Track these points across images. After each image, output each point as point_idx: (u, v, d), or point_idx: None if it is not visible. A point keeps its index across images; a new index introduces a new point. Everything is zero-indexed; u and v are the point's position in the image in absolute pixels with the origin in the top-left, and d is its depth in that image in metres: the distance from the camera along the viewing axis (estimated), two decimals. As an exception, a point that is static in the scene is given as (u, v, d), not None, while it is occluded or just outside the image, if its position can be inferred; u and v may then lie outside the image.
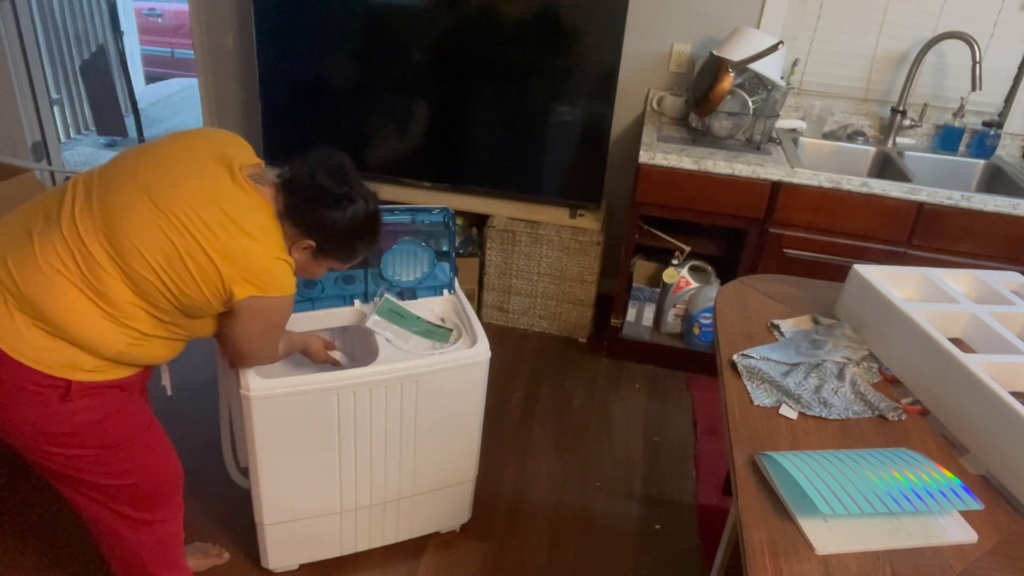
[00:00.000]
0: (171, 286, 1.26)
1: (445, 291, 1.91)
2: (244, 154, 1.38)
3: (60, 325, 1.22)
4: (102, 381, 1.29)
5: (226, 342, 1.43)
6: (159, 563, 1.55)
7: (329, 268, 1.50)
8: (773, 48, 2.39)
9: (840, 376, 1.36)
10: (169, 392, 1.56)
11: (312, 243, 1.39)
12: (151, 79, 6.01)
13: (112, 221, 1.23)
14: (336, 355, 1.78)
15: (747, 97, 2.47)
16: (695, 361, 2.80)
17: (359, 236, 1.44)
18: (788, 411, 1.28)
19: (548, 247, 2.82)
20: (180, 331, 1.36)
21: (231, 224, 1.27)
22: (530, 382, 2.70)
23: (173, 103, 5.54)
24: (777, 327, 1.53)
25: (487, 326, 2.94)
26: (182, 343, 1.41)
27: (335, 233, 1.40)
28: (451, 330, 1.80)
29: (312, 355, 1.74)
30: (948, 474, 1.09)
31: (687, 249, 2.76)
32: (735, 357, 1.40)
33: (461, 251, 2.91)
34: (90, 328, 1.23)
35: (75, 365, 1.25)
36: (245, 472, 1.76)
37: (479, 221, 2.95)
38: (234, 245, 1.27)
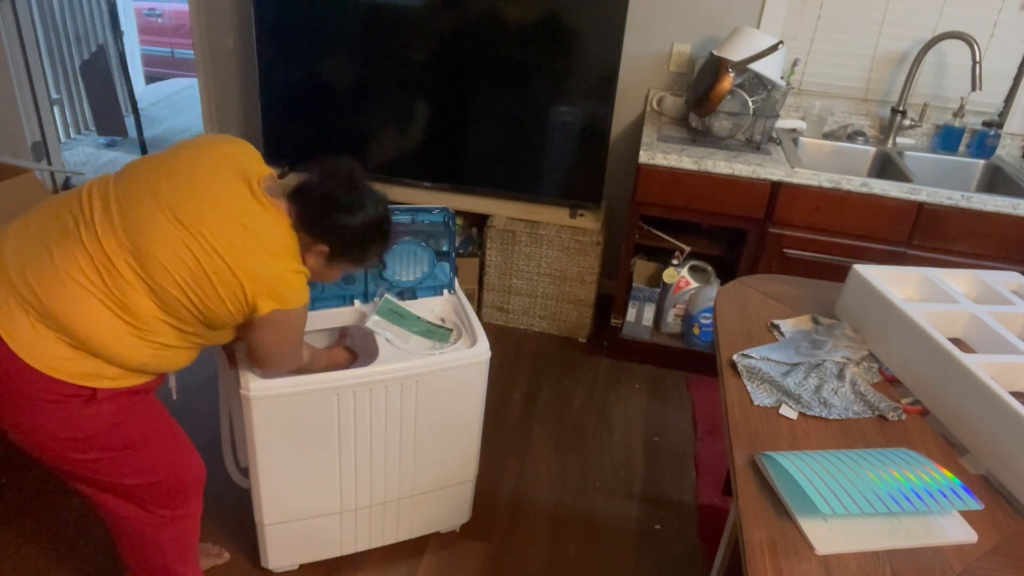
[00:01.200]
0: (196, 302, 1.28)
1: (445, 291, 1.91)
2: (259, 166, 1.39)
3: (84, 339, 1.23)
4: (125, 388, 1.31)
5: (250, 354, 1.47)
6: (180, 559, 1.57)
7: (343, 271, 1.53)
8: (773, 48, 2.39)
9: (840, 376, 1.36)
10: (175, 396, 1.57)
11: (326, 248, 1.41)
12: (151, 79, 6.01)
13: (137, 239, 1.24)
14: (348, 343, 1.81)
15: (747, 97, 2.47)
16: (695, 361, 2.80)
17: (371, 239, 1.47)
18: (788, 411, 1.28)
19: (548, 247, 2.82)
20: (200, 341, 1.39)
21: (254, 242, 1.29)
22: (530, 382, 2.70)
23: (173, 103, 5.54)
24: (777, 327, 1.53)
25: (487, 326, 2.94)
26: (199, 350, 1.43)
27: (348, 238, 1.42)
28: (451, 330, 1.80)
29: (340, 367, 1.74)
30: (948, 474, 1.09)
31: (687, 249, 2.76)
32: (735, 357, 1.40)
33: (461, 251, 2.91)
34: (114, 342, 1.25)
35: (99, 374, 1.26)
36: (245, 472, 1.76)
37: (479, 221, 2.95)
38: (258, 263, 1.30)
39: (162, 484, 1.44)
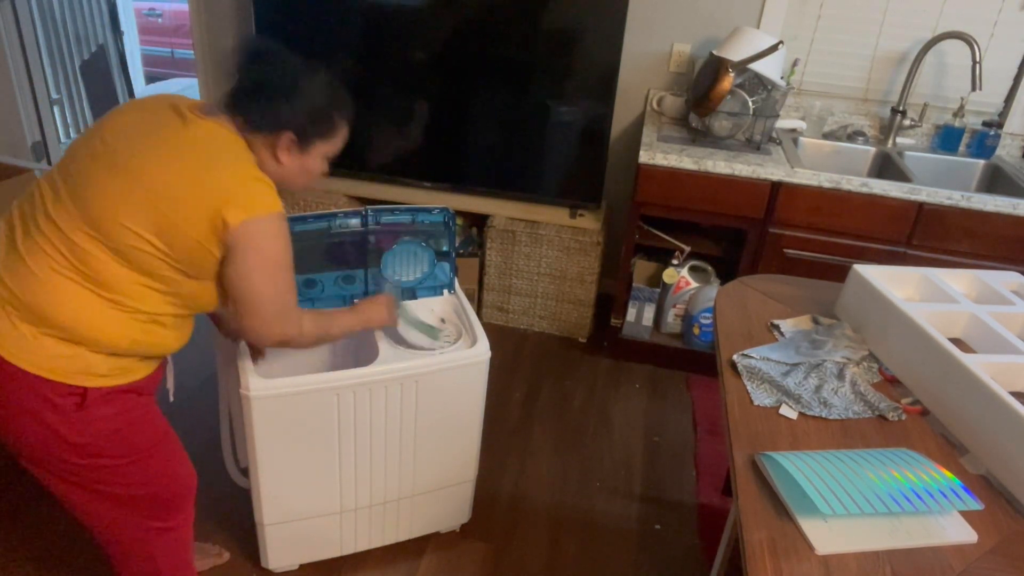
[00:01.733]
0: (161, 247, 1.23)
1: (445, 291, 1.91)
2: (188, 100, 1.35)
3: (68, 325, 1.21)
4: (117, 386, 1.28)
5: (237, 307, 1.33)
6: (172, 569, 1.53)
7: (324, 157, 1.43)
8: (773, 48, 2.39)
9: (840, 376, 1.36)
10: (172, 398, 1.56)
11: (292, 135, 1.34)
12: (151, 79, 6.01)
13: (85, 206, 1.21)
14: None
15: (747, 97, 2.47)
16: (695, 361, 2.80)
17: (328, 104, 1.38)
18: (788, 411, 1.28)
19: (548, 247, 2.82)
20: (183, 302, 1.32)
21: (196, 160, 1.24)
22: (530, 382, 2.70)
23: (173, 103, 5.52)
24: (777, 327, 1.53)
25: (487, 326, 2.94)
26: (189, 321, 1.38)
27: (304, 113, 1.34)
28: (441, 330, 1.79)
29: (386, 317, 1.65)
30: (948, 474, 1.09)
31: (687, 249, 2.76)
32: (735, 357, 1.40)
33: (461, 251, 2.91)
34: (98, 320, 1.22)
35: (89, 371, 1.24)
36: (245, 472, 1.77)
37: (479, 221, 2.95)
38: (207, 177, 1.23)
39: (158, 494, 1.41)
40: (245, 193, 1.26)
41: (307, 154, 1.39)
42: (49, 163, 3.48)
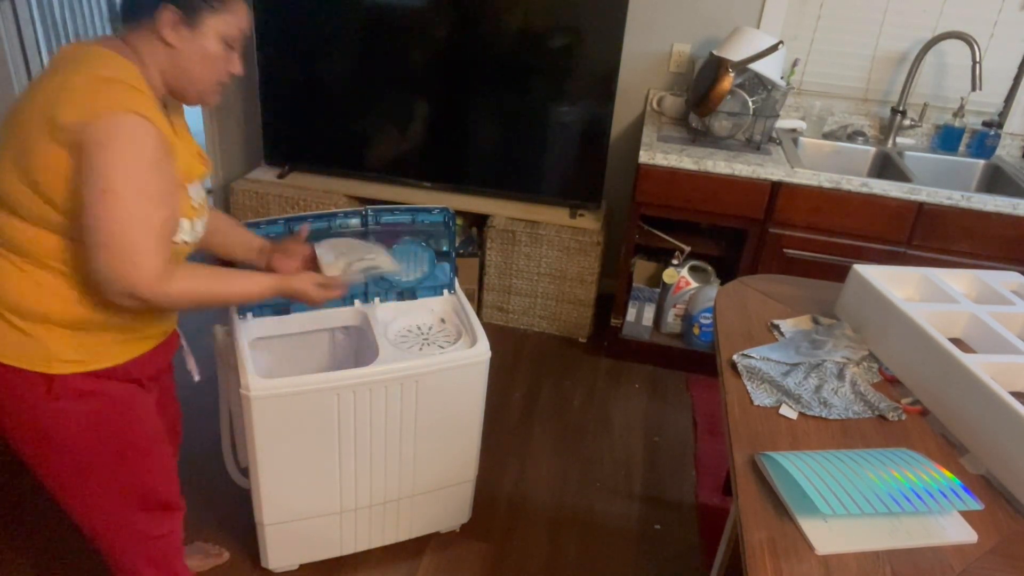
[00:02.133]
0: (33, 187, 1.11)
1: (445, 291, 1.91)
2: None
3: (14, 301, 1.17)
4: (89, 372, 1.23)
5: (92, 238, 1.11)
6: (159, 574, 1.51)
7: (222, 39, 1.22)
8: (773, 48, 2.39)
9: (840, 376, 1.36)
10: (197, 377, 1.51)
11: (172, 10, 1.15)
12: (151, 79, 6.00)
13: None
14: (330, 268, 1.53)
15: (747, 97, 2.47)
16: (695, 361, 2.80)
17: None
18: (788, 411, 1.28)
19: (548, 247, 2.82)
20: None
21: (47, 81, 1.12)
22: (530, 382, 2.70)
23: (173, 103, 5.52)
24: (777, 327, 1.53)
25: (487, 326, 2.92)
26: None
27: None
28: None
29: (307, 298, 1.44)
30: (948, 474, 1.09)
31: (687, 249, 2.76)
32: (735, 357, 1.40)
33: (461, 251, 2.91)
34: (35, 291, 1.17)
35: (52, 356, 1.20)
36: (245, 472, 1.77)
37: (479, 221, 2.95)
38: (50, 88, 1.10)
39: (144, 498, 1.38)
40: (87, 91, 1.08)
41: (198, 31, 1.19)
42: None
